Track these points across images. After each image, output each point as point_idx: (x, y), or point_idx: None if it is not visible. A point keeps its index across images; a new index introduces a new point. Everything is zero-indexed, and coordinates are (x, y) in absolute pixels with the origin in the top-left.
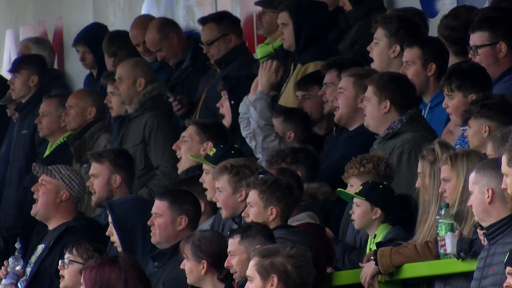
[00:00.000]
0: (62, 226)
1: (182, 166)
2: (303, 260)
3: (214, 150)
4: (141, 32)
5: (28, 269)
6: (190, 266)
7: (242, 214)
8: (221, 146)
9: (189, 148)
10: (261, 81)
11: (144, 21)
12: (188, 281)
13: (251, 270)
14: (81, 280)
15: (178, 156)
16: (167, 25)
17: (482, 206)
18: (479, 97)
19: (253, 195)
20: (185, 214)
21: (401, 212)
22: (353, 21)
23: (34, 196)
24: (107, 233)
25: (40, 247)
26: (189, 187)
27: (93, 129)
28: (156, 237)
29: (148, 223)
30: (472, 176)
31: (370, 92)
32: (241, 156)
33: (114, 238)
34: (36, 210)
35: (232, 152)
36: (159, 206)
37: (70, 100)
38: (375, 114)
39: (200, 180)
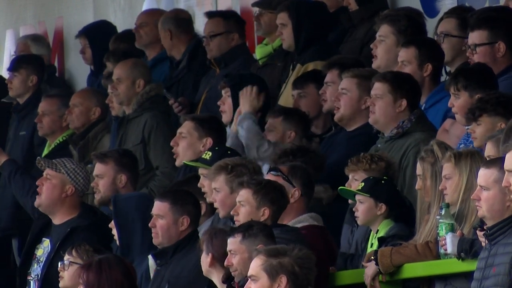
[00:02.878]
0: (68, 224)
1: (180, 161)
2: (310, 262)
3: (210, 153)
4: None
5: (36, 266)
6: (202, 257)
7: (231, 212)
8: (216, 148)
9: (188, 145)
10: (244, 107)
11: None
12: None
13: (257, 269)
14: (79, 279)
15: (175, 152)
16: (169, 24)
17: (500, 205)
18: (489, 95)
19: (246, 194)
20: (186, 215)
21: (403, 208)
22: (358, 21)
23: (38, 189)
24: (110, 225)
25: (47, 242)
26: (189, 188)
27: (96, 129)
28: (158, 238)
29: (149, 225)
30: (493, 173)
31: (383, 89)
32: (237, 155)
33: (115, 231)
34: (40, 202)
35: (229, 152)
36: (160, 207)
37: (75, 99)
38: (388, 111)
39: (199, 185)
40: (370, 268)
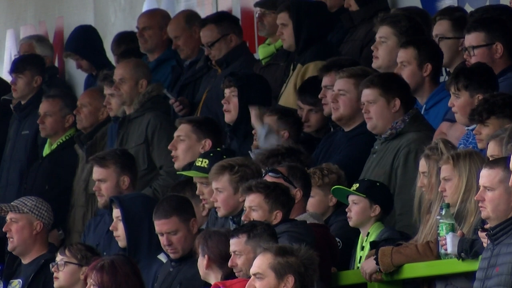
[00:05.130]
0: (39, 259)
1: (180, 164)
2: (315, 263)
3: (207, 160)
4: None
5: None
6: (199, 260)
7: (242, 218)
8: (211, 154)
9: (187, 147)
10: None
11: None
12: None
13: (263, 267)
14: (91, 280)
15: (174, 155)
16: (195, 18)
17: (506, 205)
18: (494, 96)
19: (257, 199)
20: (193, 217)
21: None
22: (359, 21)
23: (8, 235)
24: (110, 228)
25: (16, 282)
26: (193, 188)
27: (104, 130)
28: (179, 253)
29: (165, 243)
30: (498, 173)
31: (374, 94)
32: (233, 156)
33: (119, 233)
34: (13, 246)
35: (225, 156)
36: (169, 224)
37: (83, 99)
38: (385, 114)
39: (197, 192)
40: (368, 265)
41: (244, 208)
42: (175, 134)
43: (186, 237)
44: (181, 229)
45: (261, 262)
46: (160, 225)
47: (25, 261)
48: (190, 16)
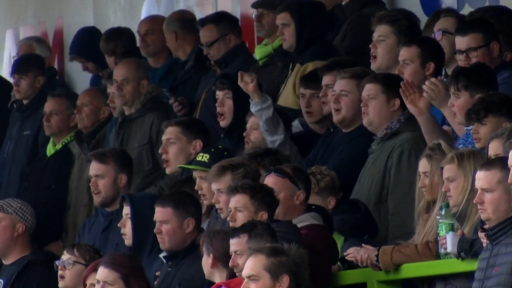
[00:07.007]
0: (22, 260)
1: (172, 168)
2: (306, 261)
3: (207, 155)
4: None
5: None
6: (203, 259)
7: (228, 219)
8: (212, 150)
9: (179, 149)
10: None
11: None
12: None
13: (256, 268)
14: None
15: (165, 159)
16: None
17: (506, 205)
18: (492, 95)
19: (243, 200)
20: (191, 216)
21: (346, 216)
22: (350, 13)
23: None
24: (119, 225)
25: None
26: (191, 187)
27: (106, 128)
28: (165, 244)
29: (155, 231)
30: (496, 174)
31: (375, 90)
32: (233, 156)
33: (126, 230)
34: None
35: (225, 153)
36: (163, 213)
37: (84, 98)
38: (382, 112)
39: (196, 187)
40: (369, 252)
41: (229, 209)
42: (164, 138)
43: (175, 231)
44: (172, 221)
45: (254, 264)
46: (156, 213)
47: (6, 261)
48: (170, 21)
